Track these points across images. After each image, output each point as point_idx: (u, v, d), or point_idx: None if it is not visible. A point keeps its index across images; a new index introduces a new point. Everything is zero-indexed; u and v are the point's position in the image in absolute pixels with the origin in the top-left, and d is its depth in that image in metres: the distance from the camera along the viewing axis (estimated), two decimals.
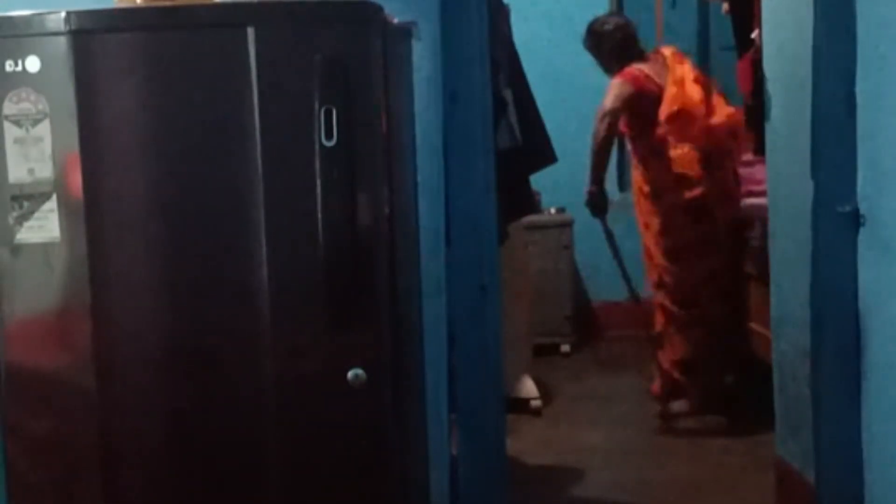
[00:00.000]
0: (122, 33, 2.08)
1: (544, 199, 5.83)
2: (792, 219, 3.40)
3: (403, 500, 2.29)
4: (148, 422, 2.13)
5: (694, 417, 4.72)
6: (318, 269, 2.07)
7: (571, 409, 5.08)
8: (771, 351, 3.76)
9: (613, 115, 4.64)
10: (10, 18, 2.06)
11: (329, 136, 2.04)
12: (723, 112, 4.68)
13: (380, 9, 2.14)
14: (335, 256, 2.07)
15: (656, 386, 4.91)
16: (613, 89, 4.69)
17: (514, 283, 4.49)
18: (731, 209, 4.72)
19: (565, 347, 6.02)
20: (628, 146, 5.01)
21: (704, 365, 4.72)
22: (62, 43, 2.03)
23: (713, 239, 4.69)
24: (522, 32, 4.19)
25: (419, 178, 2.65)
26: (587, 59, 4.97)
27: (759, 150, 3.98)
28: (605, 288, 6.43)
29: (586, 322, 6.35)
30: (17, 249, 2.08)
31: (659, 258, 4.77)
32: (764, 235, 3.89)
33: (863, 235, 2.80)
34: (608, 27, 4.83)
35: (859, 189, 2.81)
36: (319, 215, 2.05)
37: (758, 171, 4.52)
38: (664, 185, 4.66)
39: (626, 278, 5.04)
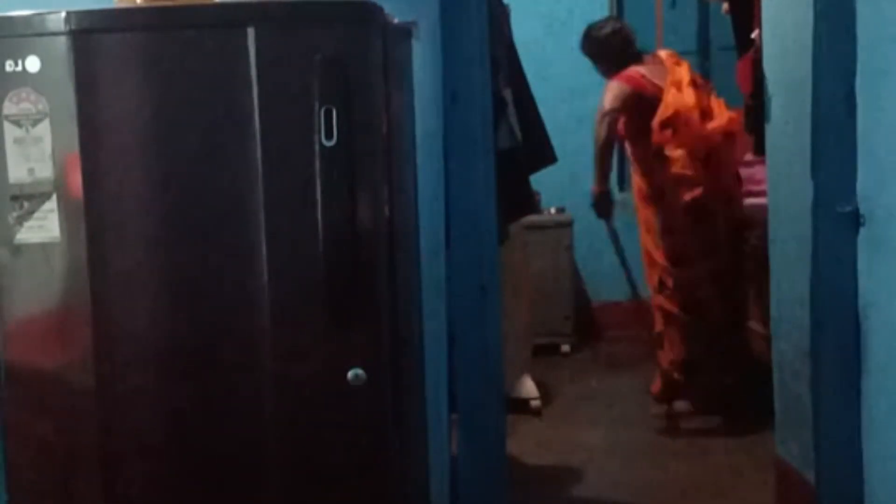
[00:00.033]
0: (122, 33, 2.08)
1: (544, 199, 5.83)
2: (792, 219, 3.40)
3: (403, 500, 2.29)
4: (148, 422, 2.14)
5: (694, 417, 4.72)
6: (318, 270, 2.07)
7: (571, 409, 5.08)
8: (771, 351, 3.76)
9: (612, 115, 4.65)
10: (10, 18, 2.06)
11: (329, 136, 2.04)
12: (722, 116, 4.68)
13: (380, 9, 2.14)
14: (335, 256, 2.07)
15: (656, 386, 4.91)
16: (611, 90, 4.70)
17: (514, 283, 4.49)
18: (732, 209, 4.72)
19: (565, 347, 6.02)
20: (627, 150, 5.01)
21: (704, 365, 4.72)
22: (62, 43, 2.03)
23: (715, 239, 4.69)
24: (522, 32, 4.19)
25: (419, 178, 2.65)
26: (586, 59, 4.98)
27: (759, 150, 3.97)
28: (605, 288, 6.44)
29: (586, 322, 6.35)
30: (17, 249, 2.08)
31: (661, 260, 4.77)
32: (764, 235, 3.89)
33: (863, 235, 2.81)
34: (606, 31, 4.85)
35: (859, 189, 2.81)
36: (319, 215, 2.05)
37: (758, 171, 4.53)
38: (664, 187, 4.67)
39: (630, 279, 5.04)
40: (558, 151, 3.90)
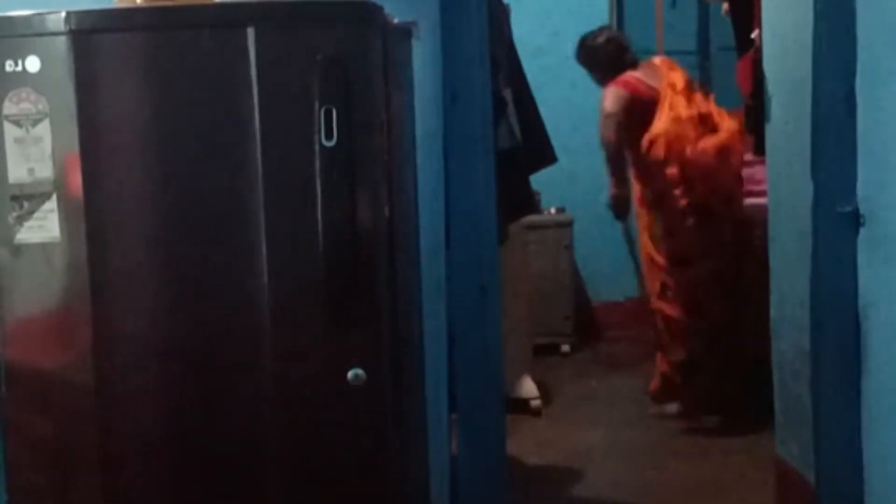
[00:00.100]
0: (122, 33, 2.08)
1: (544, 199, 5.83)
2: (792, 219, 3.40)
3: (403, 500, 2.29)
4: (148, 422, 2.14)
5: (693, 418, 4.72)
6: (318, 270, 2.07)
7: (571, 409, 5.08)
8: (771, 351, 3.76)
9: (617, 117, 4.67)
10: (10, 18, 2.06)
11: (329, 136, 2.04)
12: (722, 125, 4.68)
13: (380, 9, 2.14)
14: (335, 256, 2.07)
15: (653, 386, 4.92)
16: (610, 95, 4.73)
17: (514, 283, 4.49)
18: (732, 210, 4.73)
19: (565, 347, 6.02)
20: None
21: (704, 365, 4.72)
22: (62, 43, 2.03)
23: (716, 240, 4.69)
24: (521, 31, 4.19)
25: (419, 178, 2.65)
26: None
27: (759, 150, 3.97)
28: (605, 288, 6.44)
29: (586, 322, 6.35)
30: (17, 249, 2.08)
31: (663, 263, 4.77)
32: (764, 235, 3.90)
33: (863, 235, 2.80)
34: (600, 40, 4.90)
35: (859, 189, 2.81)
36: (319, 215, 2.05)
37: (758, 171, 4.52)
38: (665, 190, 4.67)
39: (641, 278, 5.04)
40: (558, 151, 3.90)
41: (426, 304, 2.69)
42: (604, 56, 4.85)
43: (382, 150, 2.15)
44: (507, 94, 3.41)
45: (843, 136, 2.81)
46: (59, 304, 2.12)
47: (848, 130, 2.80)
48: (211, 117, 2.08)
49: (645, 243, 4.87)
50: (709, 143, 4.63)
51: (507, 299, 3.52)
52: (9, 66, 2.04)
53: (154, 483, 2.15)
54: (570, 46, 5.10)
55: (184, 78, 2.07)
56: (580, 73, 5.10)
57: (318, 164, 2.05)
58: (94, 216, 2.06)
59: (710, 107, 4.79)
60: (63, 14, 2.03)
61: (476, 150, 2.92)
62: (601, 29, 5.06)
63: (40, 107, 2.05)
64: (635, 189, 4.91)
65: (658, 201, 4.72)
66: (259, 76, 2.04)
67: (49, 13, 2.04)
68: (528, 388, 4.89)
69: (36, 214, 2.06)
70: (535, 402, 4.89)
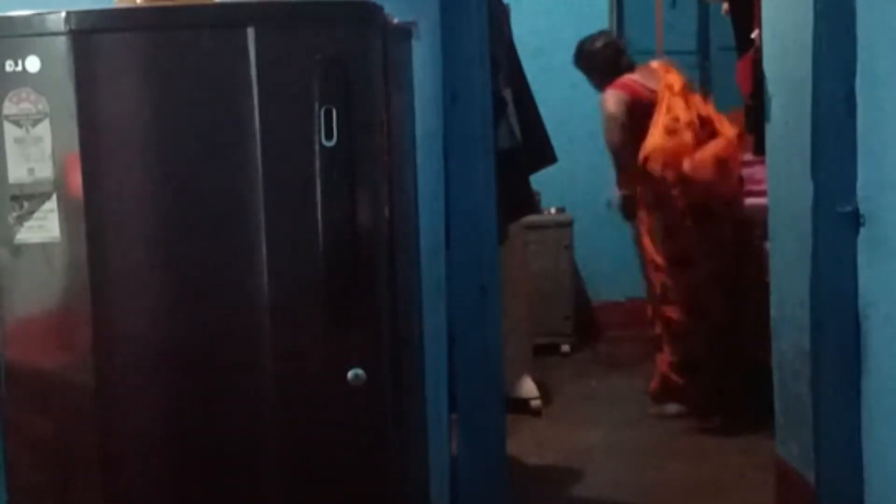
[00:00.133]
0: (122, 33, 2.08)
1: (544, 199, 5.83)
2: (792, 219, 3.40)
3: (403, 500, 2.29)
4: (148, 422, 2.14)
5: (693, 418, 4.72)
6: (318, 269, 2.07)
7: (571, 409, 5.08)
8: (771, 351, 3.76)
9: (620, 118, 4.68)
10: (10, 18, 2.06)
11: (329, 136, 2.04)
12: (722, 130, 4.69)
13: (380, 9, 2.14)
14: (335, 256, 2.07)
15: (653, 386, 4.92)
16: (611, 98, 4.74)
17: (514, 283, 4.49)
18: (733, 210, 4.73)
19: (565, 347, 6.01)
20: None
21: (705, 366, 4.72)
22: (62, 43, 2.03)
23: (717, 240, 4.69)
24: (521, 31, 4.19)
25: (419, 178, 2.65)
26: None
27: (759, 150, 3.97)
28: (605, 288, 6.44)
29: (586, 322, 6.35)
30: (17, 249, 2.08)
31: (663, 264, 4.78)
32: (764, 235, 3.90)
33: (863, 235, 2.80)
34: (598, 44, 4.93)
35: (859, 189, 2.81)
36: (319, 215, 2.05)
37: (758, 171, 4.52)
38: (664, 191, 4.67)
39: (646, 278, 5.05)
40: (558, 151, 3.90)
41: (426, 304, 2.69)
42: (602, 60, 4.88)
43: (382, 150, 2.15)
44: (507, 94, 3.41)
45: (843, 136, 2.81)
46: (59, 304, 2.12)
47: (848, 130, 2.80)
48: (211, 117, 2.08)
49: (645, 244, 4.87)
50: (707, 153, 4.63)
51: (507, 299, 3.52)
52: (9, 66, 2.04)
53: (154, 483, 2.15)
54: (570, 47, 5.11)
55: (184, 78, 2.07)
56: (580, 74, 5.11)
57: (318, 164, 2.05)
58: (94, 216, 2.07)
59: (710, 110, 4.80)
60: (63, 14, 2.03)
61: (476, 150, 2.92)
62: (599, 34, 5.08)
63: (40, 107, 2.05)
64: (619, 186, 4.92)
65: (657, 202, 4.73)
66: (259, 76, 2.04)
67: (49, 13, 2.04)
68: (528, 388, 4.89)
69: (36, 214, 2.07)
70: (535, 402, 4.89)
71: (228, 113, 2.07)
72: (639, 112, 4.68)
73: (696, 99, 4.81)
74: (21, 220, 2.07)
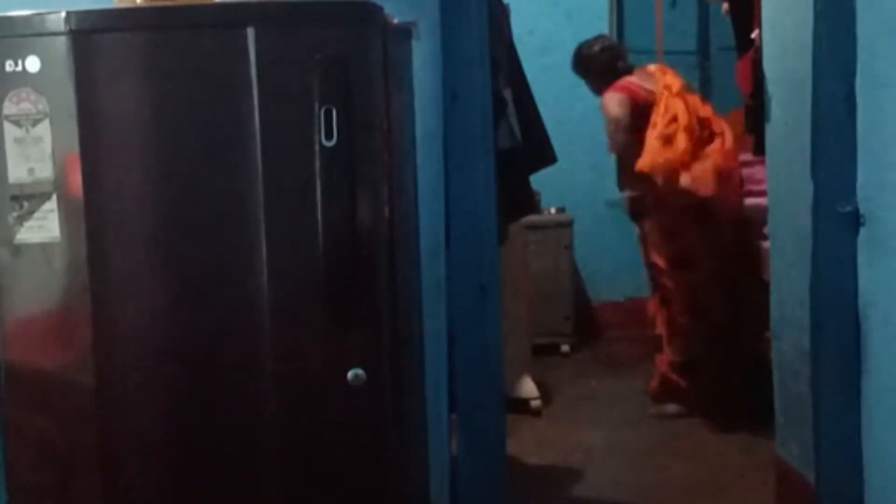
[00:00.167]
0: (122, 33, 2.08)
1: (544, 199, 5.83)
2: (792, 219, 3.40)
3: (403, 500, 2.29)
4: (148, 422, 2.14)
5: (693, 418, 4.72)
6: (318, 269, 2.07)
7: (571, 409, 5.08)
8: (771, 351, 3.76)
9: (624, 120, 4.68)
10: (10, 18, 2.06)
11: (329, 136, 2.04)
12: (723, 131, 4.69)
13: (380, 9, 2.14)
14: (335, 256, 2.07)
15: (653, 386, 4.92)
16: (611, 101, 4.75)
17: (514, 283, 4.49)
18: (734, 209, 4.73)
19: (565, 347, 6.02)
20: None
21: (705, 366, 4.72)
22: (62, 43, 2.03)
23: (717, 240, 4.69)
24: (521, 31, 4.19)
25: (419, 178, 2.65)
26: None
27: (759, 150, 3.97)
28: (605, 288, 6.44)
29: (586, 322, 6.35)
30: (17, 249, 2.08)
31: (663, 264, 4.78)
32: (764, 235, 3.90)
33: (863, 235, 2.80)
34: (595, 49, 4.95)
35: (859, 189, 2.81)
36: (319, 215, 2.05)
37: (758, 171, 4.52)
38: (664, 192, 4.67)
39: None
40: (558, 151, 3.90)
41: (426, 304, 2.69)
42: (599, 64, 4.91)
43: (382, 150, 2.15)
44: (507, 94, 3.41)
45: (843, 136, 2.81)
46: (59, 304, 2.12)
47: (848, 130, 2.80)
48: (211, 117, 2.08)
49: (648, 250, 4.88)
50: (706, 166, 4.64)
51: (507, 299, 3.52)
52: (9, 66, 2.04)
53: (154, 483, 2.15)
54: (570, 47, 5.11)
55: (184, 78, 2.07)
56: None
57: (318, 164, 2.05)
58: (94, 216, 2.07)
59: (708, 111, 4.81)
60: (63, 14, 2.03)
61: (476, 150, 2.92)
62: (596, 38, 5.10)
63: (40, 107, 2.05)
64: (626, 187, 4.93)
65: (658, 203, 4.73)
66: (259, 76, 2.04)
67: (49, 13, 2.04)
68: (528, 388, 4.89)
69: (36, 214, 2.07)
70: (535, 402, 4.89)
71: (228, 113, 2.07)
72: (637, 113, 4.69)
73: (695, 100, 4.81)
74: (21, 220, 2.07)
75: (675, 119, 4.64)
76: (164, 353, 2.12)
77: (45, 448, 2.14)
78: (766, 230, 4.00)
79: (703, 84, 6.33)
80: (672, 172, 4.60)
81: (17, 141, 2.05)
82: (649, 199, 4.75)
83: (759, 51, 3.86)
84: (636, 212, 4.90)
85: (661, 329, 4.84)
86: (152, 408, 2.14)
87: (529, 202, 4.04)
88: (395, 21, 2.27)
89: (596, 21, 6.19)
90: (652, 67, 4.98)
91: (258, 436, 2.12)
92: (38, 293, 2.12)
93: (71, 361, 2.11)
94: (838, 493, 2.91)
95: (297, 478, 2.13)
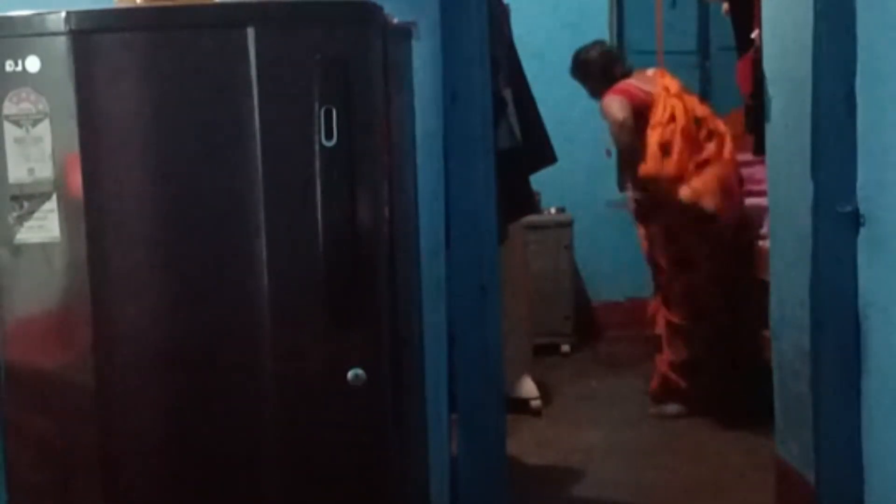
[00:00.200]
0: (122, 33, 2.08)
1: (544, 199, 5.83)
2: (792, 219, 3.40)
3: (403, 500, 2.29)
4: (148, 422, 2.14)
5: (693, 418, 4.72)
6: (318, 269, 2.07)
7: (571, 409, 5.08)
8: (770, 351, 3.76)
9: (627, 122, 4.69)
10: (10, 18, 2.06)
11: (329, 136, 2.04)
12: (724, 141, 4.70)
13: (380, 9, 2.14)
14: (335, 256, 2.07)
15: (653, 386, 4.92)
16: (612, 103, 4.74)
17: (514, 283, 4.49)
18: (734, 209, 4.73)
19: (565, 347, 6.02)
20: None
21: (705, 366, 4.73)
22: (62, 43, 2.03)
23: (717, 241, 4.69)
24: (521, 31, 4.19)
25: (419, 178, 2.65)
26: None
27: (759, 150, 3.98)
28: (605, 288, 6.44)
29: (586, 322, 6.35)
30: (17, 249, 2.08)
31: (664, 265, 4.78)
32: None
33: (863, 235, 2.81)
34: (593, 53, 4.99)
35: (859, 189, 2.81)
36: (319, 215, 2.05)
37: (758, 171, 4.53)
38: (665, 194, 4.68)
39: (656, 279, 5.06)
40: (558, 151, 3.90)
41: (426, 304, 2.69)
42: (597, 69, 4.94)
43: (382, 150, 2.15)
44: (507, 94, 3.41)
45: (843, 136, 2.81)
46: (59, 304, 2.12)
47: (848, 130, 2.80)
48: (211, 117, 2.08)
49: (652, 252, 4.89)
50: (708, 179, 4.64)
51: (507, 299, 3.52)
52: (9, 66, 2.04)
53: (154, 483, 2.15)
54: (570, 47, 5.12)
55: (184, 78, 2.07)
56: None
57: (318, 164, 2.05)
58: (94, 216, 2.06)
59: (706, 110, 4.82)
60: (63, 14, 2.03)
61: (476, 150, 2.92)
62: (594, 43, 5.12)
63: (40, 107, 2.05)
64: (631, 188, 4.93)
65: (658, 204, 4.73)
66: (259, 76, 2.04)
67: (49, 13, 2.04)
68: (528, 388, 4.89)
69: (36, 214, 2.07)
70: (535, 402, 4.89)
71: (228, 113, 2.07)
72: (637, 114, 4.70)
73: (693, 100, 4.82)
74: (21, 220, 2.07)
75: (672, 119, 4.65)
76: (164, 353, 2.12)
77: (45, 448, 2.14)
78: (765, 230, 4.01)
79: (703, 84, 6.33)
80: (673, 184, 4.61)
81: (17, 141, 2.05)
82: (652, 200, 4.76)
83: (759, 51, 3.86)
84: (642, 213, 4.90)
85: (661, 329, 4.85)
86: (152, 408, 2.14)
87: (529, 202, 4.04)
88: (395, 21, 2.27)
89: (596, 21, 6.19)
90: (650, 71, 4.99)
91: (258, 436, 2.12)
92: (38, 293, 2.12)
93: (71, 361, 2.11)
94: (838, 493, 2.91)
95: (297, 478, 2.13)
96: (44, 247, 2.07)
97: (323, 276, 2.07)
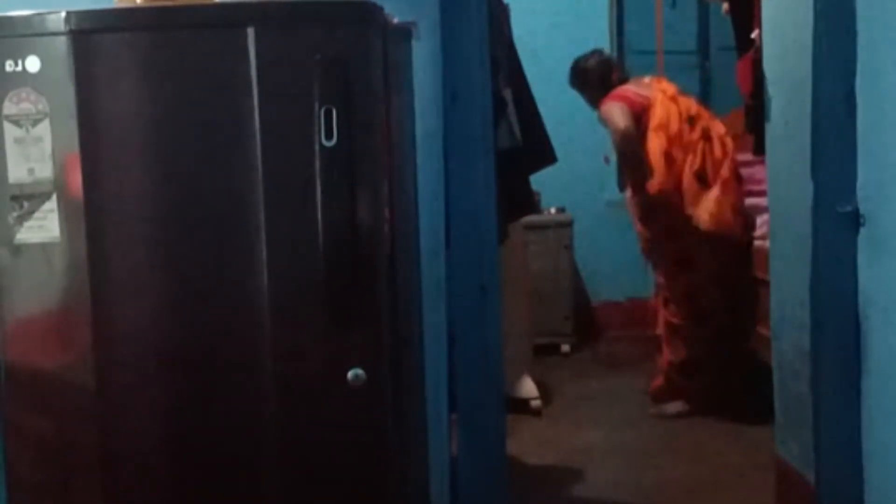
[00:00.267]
0: (122, 33, 2.08)
1: (544, 199, 5.84)
2: (792, 219, 3.40)
3: (403, 500, 2.29)
4: (148, 422, 2.14)
5: (693, 418, 4.73)
6: (318, 269, 2.07)
7: (571, 409, 5.08)
8: (771, 351, 3.76)
9: (630, 129, 4.69)
10: (10, 18, 2.06)
11: (329, 136, 2.04)
12: (716, 130, 4.71)
13: (380, 9, 2.14)
14: (335, 256, 2.07)
15: (654, 386, 4.93)
16: (612, 110, 4.75)
17: (514, 283, 4.49)
18: (746, 227, 4.74)
19: (565, 347, 6.02)
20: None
21: (706, 366, 4.73)
22: (62, 43, 2.03)
23: (717, 241, 4.69)
24: (521, 31, 4.19)
25: (419, 178, 2.65)
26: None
27: (759, 150, 3.98)
28: (605, 288, 6.45)
29: (586, 322, 6.35)
30: (17, 249, 2.08)
31: (664, 265, 4.78)
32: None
33: (863, 235, 2.81)
34: (592, 62, 5.03)
35: (859, 189, 2.81)
36: (319, 215, 2.05)
37: (758, 171, 4.53)
38: (664, 193, 4.68)
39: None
40: (558, 151, 3.91)
41: (426, 304, 2.69)
42: (595, 77, 4.97)
43: (382, 150, 2.15)
44: (507, 94, 3.41)
45: (843, 136, 2.81)
46: (59, 304, 2.12)
47: (848, 130, 2.80)
48: (211, 117, 2.08)
49: (652, 252, 4.89)
50: (709, 199, 4.64)
51: (507, 299, 3.52)
52: (9, 66, 2.04)
53: (154, 483, 2.15)
54: (571, 47, 5.13)
55: (184, 78, 2.07)
56: None
57: (318, 164, 2.05)
58: (94, 216, 2.06)
59: (702, 110, 4.83)
60: (63, 14, 2.03)
61: (476, 150, 2.92)
62: (592, 52, 5.14)
63: (40, 107, 2.05)
64: (631, 197, 4.93)
65: (658, 205, 4.73)
66: (259, 76, 2.04)
67: (49, 13, 2.04)
68: (528, 388, 4.89)
69: (36, 214, 2.07)
70: (535, 402, 4.89)
71: (228, 113, 2.06)
72: (635, 119, 4.71)
73: (688, 101, 4.84)
74: (21, 220, 2.07)
75: (670, 120, 4.67)
76: (164, 353, 2.12)
77: (45, 448, 2.14)
78: (765, 230, 4.01)
79: (703, 84, 6.34)
80: (673, 196, 4.63)
81: (17, 141, 2.05)
82: (652, 204, 4.76)
83: (759, 51, 3.86)
84: (642, 213, 4.90)
85: (661, 329, 4.85)
86: (152, 408, 2.14)
87: (529, 202, 4.04)
88: (395, 21, 2.27)
89: (596, 21, 6.20)
90: (647, 78, 5.02)
91: (258, 436, 2.12)
92: (38, 293, 2.12)
93: (71, 361, 2.11)
94: (838, 493, 2.91)
95: (297, 478, 2.13)
96: (44, 247, 2.07)
97: (323, 276, 2.07)
